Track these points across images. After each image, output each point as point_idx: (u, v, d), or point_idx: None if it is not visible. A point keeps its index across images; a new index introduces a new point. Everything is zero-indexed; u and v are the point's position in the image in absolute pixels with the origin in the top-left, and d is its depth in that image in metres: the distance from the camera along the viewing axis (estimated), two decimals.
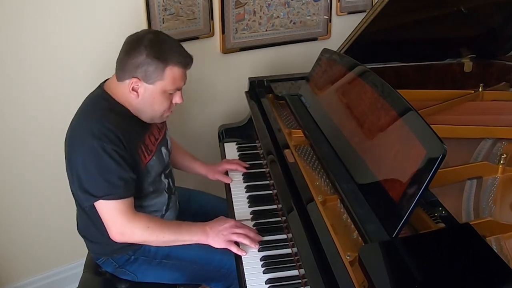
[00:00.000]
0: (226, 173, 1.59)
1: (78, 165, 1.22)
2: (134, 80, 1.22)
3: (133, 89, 1.24)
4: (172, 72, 1.23)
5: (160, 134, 1.41)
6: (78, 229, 1.42)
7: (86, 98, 1.31)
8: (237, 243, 1.25)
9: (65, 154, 1.28)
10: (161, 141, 1.40)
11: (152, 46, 1.20)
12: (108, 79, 1.33)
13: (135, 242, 1.29)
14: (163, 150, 1.40)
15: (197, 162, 1.63)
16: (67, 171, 1.29)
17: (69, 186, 1.32)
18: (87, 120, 1.24)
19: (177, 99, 1.30)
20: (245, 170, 1.58)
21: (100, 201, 1.21)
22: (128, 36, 1.25)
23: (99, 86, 1.33)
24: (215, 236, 1.26)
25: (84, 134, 1.20)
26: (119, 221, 1.22)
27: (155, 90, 1.24)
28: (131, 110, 1.28)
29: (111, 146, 1.18)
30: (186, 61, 1.25)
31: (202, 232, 1.27)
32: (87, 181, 1.21)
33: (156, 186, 1.36)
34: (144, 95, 1.25)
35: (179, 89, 1.29)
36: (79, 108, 1.29)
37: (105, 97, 1.28)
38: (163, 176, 1.40)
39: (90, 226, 1.36)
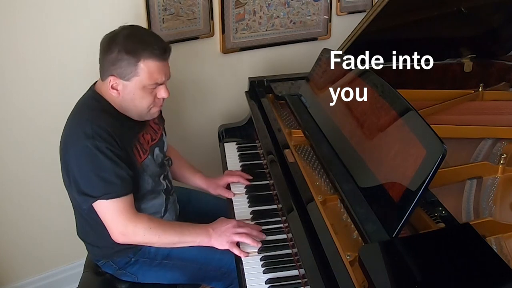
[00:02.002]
0: (229, 185, 1.56)
1: (73, 168, 1.21)
2: (112, 78, 1.22)
3: (112, 87, 1.23)
4: (146, 66, 1.20)
5: (156, 135, 1.40)
6: (77, 233, 1.42)
7: (78, 100, 1.31)
8: (238, 245, 1.24)
9: (60, 159, 1.27)
10: (156, 143, 1.39)
11: (125, 42, 1.19)
12: (98, 80, 1.32)
13: (137, 243, 1.29)
14: (156, 151, 1.39)
15: (197, 175, 1.60)
16: (63, 176, 1.29)
17: None
18: (79, 121, 1.23)
19: (161, 93, 1.26)
20: (247, 183, 1.53)
21: (99, 201, 1.20)
22: (105, 35, 1.24)
23: (90, 87, 1.32)
24: (218, 237, 1.26)
25: (77, 135, 1.20)
26: (120, 220, 1.22)
27: (133, 87, 1.22)
28: (118, 108, 1.28)
29: (105, 144, 1.18)
30: (160, 53, 1.21)
31: (205, 233, 1.27)
32: (84, 182, 1.20)
33: (154, 187, 1.36)
34: (124, 93, 1.23)
35: (160, 84, 1.25)
36: (71, 112, 1.29)
37: (96, 97, 1.27)
38: (162, 177, 1.40)
39: (89, 230, 1.36)
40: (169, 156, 1.57)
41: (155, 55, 1.20)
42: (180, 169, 1.60)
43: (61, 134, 1.29)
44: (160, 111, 1.48)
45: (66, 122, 1.27)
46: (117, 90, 1.23)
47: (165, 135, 1.49)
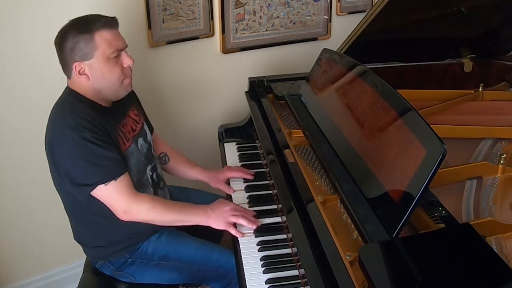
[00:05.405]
0: (228, 181, 1.56)
1: (64, 163, 1.23)
2: (75, 64, 1.23)
3: (80, 73, 1.24)
4: (101, 37, 1.23)
5: (136, 126, 1.41)
6: (74, 237, 1.43)
7: (55, 102, 1.32)
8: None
9: (48, 159, 1.29)
10: (138, 133, 1.40)
11: (73, 27, 1.23)
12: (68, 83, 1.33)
13: (140, 221, 1.30)
14: (140, 141, 1.40)
15: (197, 168, 1.61)
16: (52, 176, 1.30)
17: None
18: (60, 116, 1.25)
19: (126, 60, 1.28)
20: (249, 177, 1.53)
21: (98, 187, 1.22)
22: (55, 37, 1.27)
23: (65, 88, 1.33)
24: (216, 217, 1.29)
25: (62, 130, 1.22)
26: (122, 200, 1.24)
27: (98, 62, 1.24)
28: (94, 99, 1.29)
29: (90, 134, 1.20)
30: (109, 21, 1.25)
31: (204, 213, 1.31)
32: (78, 173, 1.22)
33: (140, 178, 1.36)
34: (92, 73, 1.25)
35: (121, 50, 1.28)
36: (51, 112, 1.29)
37: (71, 93, 1.29)
38: (149, 168, 1.41)
39: (83, 231, 1.37)
40: (165, 152, 1.58)
41: (106, 25, 1.25)
42: (178, 164, 1.61)
43: None
44: (139, 101, 1.51)
45: (48, 122, 1.28)
46: (85, 74, 1.25)
47: (148, 126, 1.50)
